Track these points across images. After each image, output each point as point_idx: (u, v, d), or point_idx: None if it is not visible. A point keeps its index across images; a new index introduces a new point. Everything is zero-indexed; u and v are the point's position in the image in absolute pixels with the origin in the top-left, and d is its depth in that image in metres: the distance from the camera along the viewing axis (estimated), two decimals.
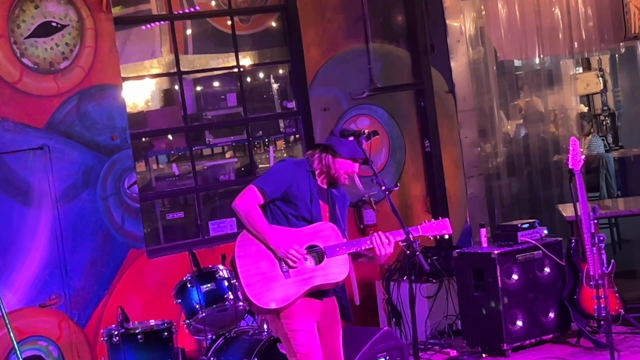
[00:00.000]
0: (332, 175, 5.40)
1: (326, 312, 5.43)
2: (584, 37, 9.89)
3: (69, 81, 7.71)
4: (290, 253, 5.22)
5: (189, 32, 8.78)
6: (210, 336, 6.92)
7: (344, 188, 5.56)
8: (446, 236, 5.54)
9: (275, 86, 9.30)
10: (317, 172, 5.40)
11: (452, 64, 9.55)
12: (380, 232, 5.38)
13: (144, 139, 8.57)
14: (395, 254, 8.21)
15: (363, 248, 5.37)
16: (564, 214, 8.45)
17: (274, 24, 9.14)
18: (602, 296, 6.86)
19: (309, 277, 5.28)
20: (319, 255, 5.31)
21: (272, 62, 9.29)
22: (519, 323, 7.67)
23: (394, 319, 8.37)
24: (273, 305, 5.23)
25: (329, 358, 5.42)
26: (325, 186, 5.45)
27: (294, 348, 5.30)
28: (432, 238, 5.52)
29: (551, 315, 7.82)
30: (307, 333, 5.29)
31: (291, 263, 5.23)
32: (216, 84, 9.09)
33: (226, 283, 6.96)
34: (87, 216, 7.72)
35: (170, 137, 8.78)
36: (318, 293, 5.35)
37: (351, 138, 5.42)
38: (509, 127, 10.85)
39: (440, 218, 5.54)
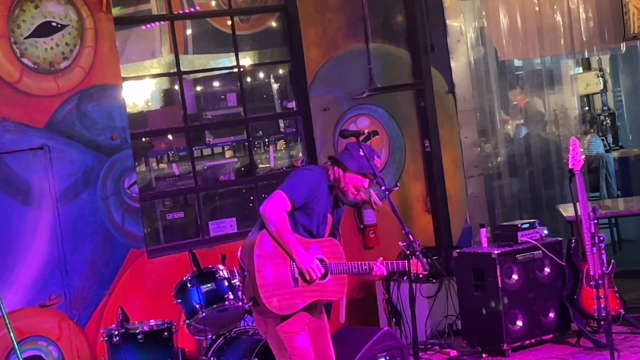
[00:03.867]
0: (342, 188, 5.43)
1: (314, 315, 5.48)
2: (584, 37, 9.92)
3: (69, 81, 7.70)
4: (312, 268, 5.27)
5: (189, 32, 8.78)
6: (210, 336, 6.92)
7: (357, 203, 5.58)
8: (420, 276, 5.56)
9: (275, 86, 9.29)
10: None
11: (452, 64, 9.55)
12: (381, 260, 5.45)
13: (144, 139, 8.57)
14: (395, 254, 8.23)
15: (362, 271, 5.43)
16: (564, 214, 8.45)
17: (274, 24, 9.14)
18: (602, 296, 6.85)
19: (314, 290, 5.35)
20: (324, 270, 5.36)
21: (272, 62, 9.29)
22: (519, 323, 7.67)
23: (394, 319, 8.37)
24: (280, 311, 5.28)
25: (321, 359, 5.45)
26: (333, 199, 5.49)
27: (288, 350, 5.34)
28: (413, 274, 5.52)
29: (551, 315, 7.82)
30: (301, 335, 5.34)
31: (308, 277, 5.27)
32: (216, 84, 9.09)
33: (226, 283, 6.95)
34: (87, 216, 7.71)
35: (170, 137, 8.78)
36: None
37: (362, 152, 5.43)
38: (509, 127, 10.86)
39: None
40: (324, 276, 5.36)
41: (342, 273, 5.42)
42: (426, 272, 5.49)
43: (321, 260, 5.36)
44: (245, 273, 5.34)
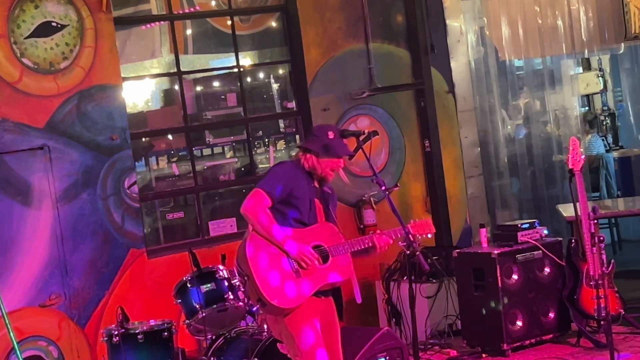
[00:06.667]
0: (320, 174, 5.45)
1: (325, 311, 5.47)
2: (584, 37, 9.91)
3: (69, 81, 7.70)
4: (305, 255, 5.26)
5: (189, 32, 8.79)
6: (210, 336, 6.92)
7: (329, 183, 5.62)
8: (429, 235, 5.56)
9: (275, 86, 9.30)
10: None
11: (452, 64, 9.55)
12: (379, 232, 5.45)
13: (144, 139, 8.57)
14: (395, 254, 8.24)
15: (364, 247, 5.43)
16: (564, 214, 8.45)
17: (274, 24, 9.14)
18: (602, 296, 6.85)
19: (318, 276, 5.35)
20: (323, 254, 5.35)
21: (272, 62, 9.29)
22: (519, 323, 7.67)
23: (394, 319, 8.37)
24: (288, 305, 5.27)
25: (329, 357, 5.44)
26: (317, 185, 5.50)
27: (299, 346, 5.33)
28: (419, 237, 5.54)
29: (551, 315, 7.82)
30: (312, 331, 5.33)
31: (304, 265, 5.26)
32: (216, 84, 9.09)
33: (226, 283, 6.96)
34: (87, 216, 7.71)
35: (170, 137, 8.78)
36: (319, 291, 5.38)
37: (332, 134, 5.47)
38: (509, 127, 10.86)
39: (423, 218, 5.59)
40: (325, 260, 5.36)
41: (343, 253, 5.41)
42: (434, 232, 5.55)
43: (319, 246, 5.36)
44: (245, 278, 5.35)
